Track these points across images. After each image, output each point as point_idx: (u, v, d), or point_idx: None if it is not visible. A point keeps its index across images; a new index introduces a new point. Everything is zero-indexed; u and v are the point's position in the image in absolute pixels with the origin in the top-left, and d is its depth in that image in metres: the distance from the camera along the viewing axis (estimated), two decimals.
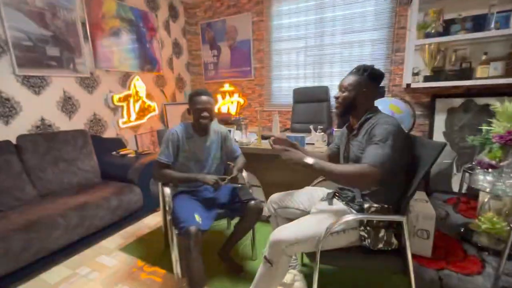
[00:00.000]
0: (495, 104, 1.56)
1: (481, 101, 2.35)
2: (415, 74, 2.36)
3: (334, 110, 1.20)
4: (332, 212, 1.11)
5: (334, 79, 3.01)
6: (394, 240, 1.03)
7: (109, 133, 2.81)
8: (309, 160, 1.02)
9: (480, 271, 1.43)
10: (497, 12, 2.03)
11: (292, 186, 1.41)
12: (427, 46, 2.26)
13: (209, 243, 1.72)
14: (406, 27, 2.54)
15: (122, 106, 2.89)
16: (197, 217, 1.26)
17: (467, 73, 2.20)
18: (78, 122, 2.50)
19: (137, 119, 3.07)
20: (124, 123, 2.92)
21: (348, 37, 2.86)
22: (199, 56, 3.86)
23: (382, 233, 1.03)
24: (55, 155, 2.06)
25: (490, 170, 1.49)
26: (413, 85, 2.34)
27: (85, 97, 2.55)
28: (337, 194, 1.23)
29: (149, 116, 3.24)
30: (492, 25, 2.04)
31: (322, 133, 1.77)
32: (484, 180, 1.50)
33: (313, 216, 1.13)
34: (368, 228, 1.03)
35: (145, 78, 3.19)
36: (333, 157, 1.33)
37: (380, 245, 1.02)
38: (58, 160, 2.07)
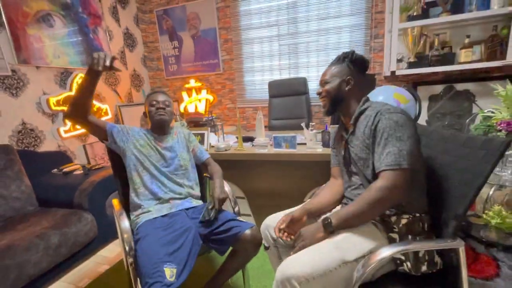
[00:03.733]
0: (498, 88, 1.42)
1: (461, 86, 2.30)
2: (399, 60, 2.22)
3: (322, 109, 1.03)
4: (357, 232, 0.85)
5: (311, 70, 2.79)
6: (437, 259, 0.82)
7: (47, 146, 2.24)
8: (325, 225, 0.85)
9: (498, 273, 1.29)
10: None
11: (282, 195, 1.13)
12: (409, 30, 2.12)
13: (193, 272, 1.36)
14: (385, 11, 2.39)
15: (63, 111, 2.34)
16: (168, 271, 0.89)
17: (450, 58, 2.12)
18: None
19: None
20: (67, 131, 2.37)
21: (324, 24, 2.64)
22: (157, 49, 3.37)
23: (422, 252, 0.80)
24: None
25: None
26: (398, 72, 2.20)
27: (7, 101, 1.96)
28: (346, 204, 0.98)
29: None
30: (473, 6, 1.96)
31: (314, 130, 1.50)
32: None
33: (330, 241, 0.86)
34: None
35: None
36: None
37: (424, 268, 0.80)
38: None
